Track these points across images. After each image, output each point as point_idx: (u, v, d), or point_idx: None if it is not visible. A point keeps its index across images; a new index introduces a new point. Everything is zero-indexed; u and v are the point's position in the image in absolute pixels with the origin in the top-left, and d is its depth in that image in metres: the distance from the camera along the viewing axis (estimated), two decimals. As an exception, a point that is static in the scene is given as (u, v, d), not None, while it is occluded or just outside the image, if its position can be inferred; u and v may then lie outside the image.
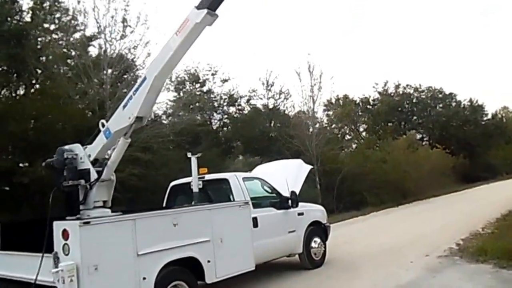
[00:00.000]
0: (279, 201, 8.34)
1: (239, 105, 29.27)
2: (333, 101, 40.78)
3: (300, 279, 8.21)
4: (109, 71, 15.80)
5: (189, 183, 8.09)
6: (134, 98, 5.54)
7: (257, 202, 7.97)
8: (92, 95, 15.57)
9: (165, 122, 21.45)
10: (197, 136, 25.10)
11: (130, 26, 15.60)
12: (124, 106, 5.63)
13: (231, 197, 7.64)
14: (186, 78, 27.72)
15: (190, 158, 7.80)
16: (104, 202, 5.67)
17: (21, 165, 12.03)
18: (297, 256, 8.80)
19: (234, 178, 7.84)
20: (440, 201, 24.06)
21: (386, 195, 22.55)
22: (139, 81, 5.80)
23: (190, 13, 5.55)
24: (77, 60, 16.00)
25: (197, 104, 26.26)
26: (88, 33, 17.16)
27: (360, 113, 42.81)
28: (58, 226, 5.04)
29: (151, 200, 12.71)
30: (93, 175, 5.44)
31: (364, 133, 41.37)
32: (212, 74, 27.67)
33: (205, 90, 27.90)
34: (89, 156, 5.60)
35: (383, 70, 73.76)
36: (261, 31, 55.02)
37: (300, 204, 8.94)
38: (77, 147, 5.70)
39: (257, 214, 7.65)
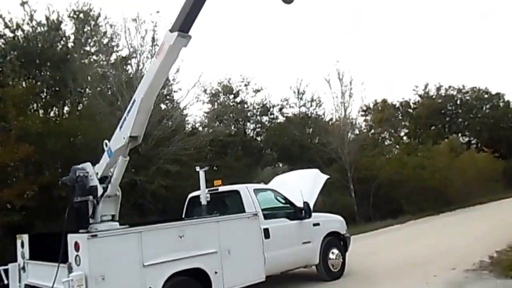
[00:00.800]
0: (293, 212, 8.45)
1: (272, 114, 29.65)
2: (371, 106, 40.42)
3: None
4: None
5: (217, 193, 8.45)
6: (127, 119, 5.95)
7: (270, 213, 8.13)
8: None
9: (200, 131, 21.97)
10: (228, 146, 25.65)
11: (157, 45, 16.29)
12: (120, 127, 6.06)
13: (242, 208, 7.82)
14: (220, 90, 28.43)
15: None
16: (113, 216, 6.08)
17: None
18: (314, 267, 8.84)
19: (245, 190, 8.04)
20: (485, 208, 22.99)
21: (425, 202, 21.85)
22: (130, 103, 6.15)
23: (165, 36, 5.84)
24: (113, 80, 16.93)
25: (230, 115, 26.88)
26: (123, 53, 18.20)
27: (400, 117, 41.88)
28: (71, 239, 5.50)
29: (181, 209, 13.18)
30: (100, 192, 5.88)
31: (405, 138, 40.38)
32: (245, 85, 28.15)
33: (238, 101, 28.47)
34: (97, 173, 6.06)
35: (423, 73, 71.29)
36: (290, 39, 55.05)
37: (316, 214, 9.05)
38: (88, 166, 6.17)
39: (269, 225, 7.81)
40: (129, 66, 18.10)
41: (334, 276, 8.84)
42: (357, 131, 34.33)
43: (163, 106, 18.77)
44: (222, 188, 8.46)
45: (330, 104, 35.66)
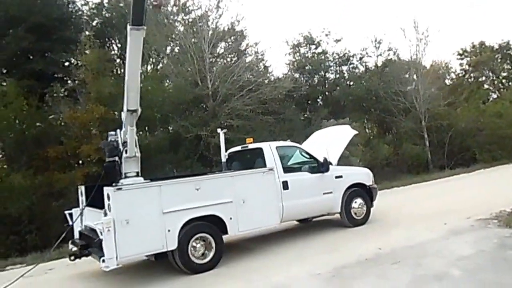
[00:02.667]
0: (314, 166, 9.14)
1: (351, 63, 29.16)
2: (468, 49, 37.18)
3: (338, 235, 9.02)
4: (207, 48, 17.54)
5: (241, 151, 9.51)
6: (124, 96, 7.04)
7: (290, 167, 8.97)
8: (193, 71, 17.57)
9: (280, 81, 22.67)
10: (307, 97, 26.10)
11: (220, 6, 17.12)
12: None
13: (264, 163, 8.69)
14: (301, 41, 28.52)
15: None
16: (137, 173, 7.35)
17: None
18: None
19: (268, 147, 8.88)
20: None
21: (500, 152, 20.54)
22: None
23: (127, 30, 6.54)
24: (183, 41, 18.19)
25: (310, 67, 27.08)
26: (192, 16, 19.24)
27: (500, 60, 37.96)
28: (105, 191, 6.90)
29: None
30: (123, 154, 7.18)
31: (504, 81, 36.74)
32: (326, 35, 27.89)
33: (318, 52, 28.39)
34: (121, 139, 7.33)
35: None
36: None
37: (340, 167, 9.67)
38: (118, 132, 7.46)
39: (288, 178, 8.65)
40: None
41: (357, 223, 9.49)
42: (453, 75, 32.58)
43: (229, 59, 19.75)
44: (251, 146, 9.36)
45: (406, 53, 33.76)
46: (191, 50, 17.42)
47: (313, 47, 28.15)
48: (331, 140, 10.20)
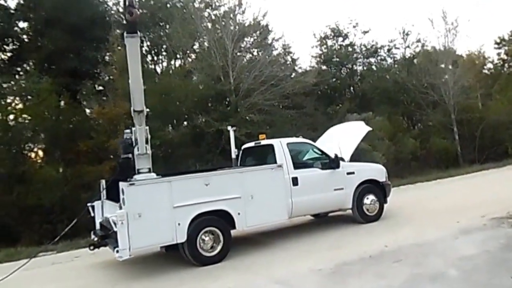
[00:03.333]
0: (325, 162, 9.27)
1: (379, 55, 28.67)
2: (507, 37, 35.66)
3: (348, 231, 9.13)
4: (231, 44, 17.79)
5: (254, 147, 9.77)
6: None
7: (300, 164, 9.15)
8: (216, 66, 17.89)
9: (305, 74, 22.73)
10: (333, 90, 25.95)
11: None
12: None
13: (274, 159, 8.91)
14: (329, 33, 28.33)
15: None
16: (149, 169, 7.76)
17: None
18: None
19: (278, 144, 9.10)
20: None
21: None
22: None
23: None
24: (206, 37, 18.57)
25: (337, 59, 26.88)
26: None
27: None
28: (120, 186, 7.35)
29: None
30: (135, 151, 7.60)
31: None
32: (353, 26, 27.59)
33: (346, 44, 28.10)
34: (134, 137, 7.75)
35: None
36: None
37: (352, 163, 9.77)
38: (132, 130, 7.90)
39: (298, 174, 8.86)
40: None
41: (369, 219, 9.57)
42: (490, 65, 31.42)
43: (254, 54, 19.93)
44: (263, 142, 9.60)
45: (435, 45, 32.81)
46: (214, 46, 17.76)
47: (340, 39, 27.93)
48: (344, 136, 10.29)
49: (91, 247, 7.95)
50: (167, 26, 18.78)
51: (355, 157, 10.35)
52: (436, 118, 22.60)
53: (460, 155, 21.53)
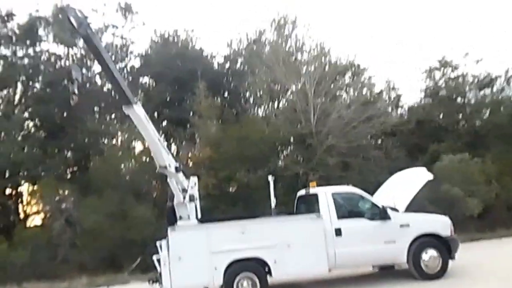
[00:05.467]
0: (374, 213, 8.97)
1: (494, 86, 26.00)
2: None
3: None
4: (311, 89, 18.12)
5: (305, 195, 9.93)
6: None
7: (345, 214, 9.01)
8: (298, 110, 18.22)
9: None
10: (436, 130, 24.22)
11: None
12: None
13: (317, 209, 8.96)
14: (437, 65, 26.87)
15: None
16: (188, 216, 8.46)
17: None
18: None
19: (323, 193, 9.15)
20: None
21: None
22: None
23: None
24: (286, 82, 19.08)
25: (445, 92, 25.26)
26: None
27: None
28: (168, 229, 8.22)
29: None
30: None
31: None
32: (463, 57, 25.66)
33: (455, 76, 26.26)
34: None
35: None
36: None
37: (407, 215, 9.24)
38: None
39: (342, 225, 8.75)
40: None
41: (429, 277, 8.86)
42: None
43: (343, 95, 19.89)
44: (311, 190, 9.70)
45: None
46: (295, 92, 18.21)
47: (449, 70, 26.13)
48: (401, 185, 9.84)
49: (150, 281, 8.80)
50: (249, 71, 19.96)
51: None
52: None
53: None
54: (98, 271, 14.51)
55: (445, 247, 9.06)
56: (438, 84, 25.26)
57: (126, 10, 21.71)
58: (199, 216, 8.81)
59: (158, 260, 9.25)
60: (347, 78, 20.73)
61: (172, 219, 8.51)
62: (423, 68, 24.46)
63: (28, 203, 17.52)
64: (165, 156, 8.26)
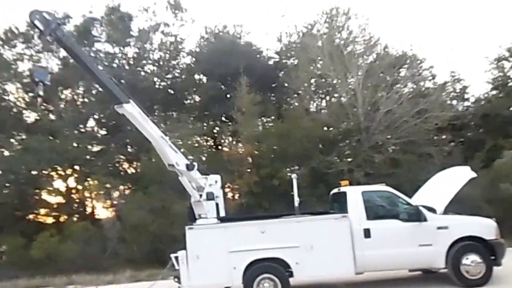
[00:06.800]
0: (409, 214, 8.30)
1: None
2: None
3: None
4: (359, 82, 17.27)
5: (337, 193, 9.44)
6: None
7: (376, 214, 8.42)
8: (345, 104, 17.53)
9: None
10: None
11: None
12: None
13: (346, 208, 8.45)
14: (507, 55, 24.68)
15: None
16: (206, 214, 8.29)
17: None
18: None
19: (352, 192, 8.64)
20: None
21: None
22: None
23: None
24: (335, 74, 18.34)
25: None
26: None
27: None
28: (186, 228, 8.16)
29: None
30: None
31: None
32: None
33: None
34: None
35: None
36: None
37: (447, 217, 8.50)
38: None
39: (372, 225, 8.20)
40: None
41: (471, 283, 8.11)
42: None
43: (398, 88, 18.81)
44: (342, 189, 9.17)
45: None
46: (343, 86, 17.46)
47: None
48: (442, 184, 9.03)
49: (176, 279, 8.80)
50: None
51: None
52: None
53: None
54: (144, 266, 14.95)
55: (489, 252, 8.21)
56: (507, 74, 23.20)
57: (176, 8, 22.03)
58: (223, 214, 8.70)
59: (176, 258, 9.40)
60: (402, 70, 19.60)
61: (192, 217, 8.45)
62: (491, 58, 22.45)
63: (81, 198, 18.35)
64: (171, 154, 8.17)
